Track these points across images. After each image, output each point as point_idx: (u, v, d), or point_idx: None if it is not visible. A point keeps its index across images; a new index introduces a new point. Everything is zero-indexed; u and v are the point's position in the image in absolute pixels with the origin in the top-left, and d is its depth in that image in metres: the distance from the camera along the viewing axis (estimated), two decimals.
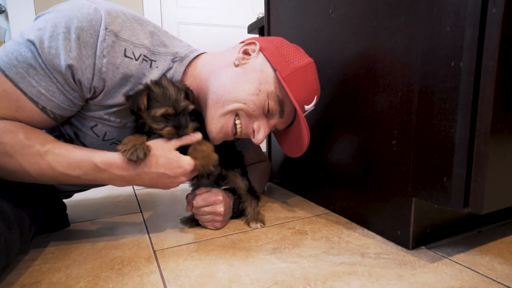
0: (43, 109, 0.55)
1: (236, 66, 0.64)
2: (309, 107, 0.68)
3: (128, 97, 0.59)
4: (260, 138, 0.65)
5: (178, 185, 0.63)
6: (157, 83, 0.59)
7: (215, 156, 0.61)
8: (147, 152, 0.56)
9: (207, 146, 0.62)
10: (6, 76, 0.52)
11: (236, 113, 0.64)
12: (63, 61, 0.52)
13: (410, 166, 0.59)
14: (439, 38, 0.52)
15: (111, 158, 0.56)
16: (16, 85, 0.52)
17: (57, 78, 0.54)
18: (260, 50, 0.65)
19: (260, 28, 1.34)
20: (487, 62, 0.46)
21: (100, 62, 0.55)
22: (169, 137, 0.60)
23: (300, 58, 0.65)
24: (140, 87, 0.59)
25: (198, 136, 0.62)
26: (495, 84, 0.45)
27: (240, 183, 0.75)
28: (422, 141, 0.56)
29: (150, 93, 0.58)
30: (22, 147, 0.52)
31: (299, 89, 0.63)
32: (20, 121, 0.55)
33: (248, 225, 0.75)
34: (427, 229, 0.64)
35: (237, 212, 0.78)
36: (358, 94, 0.71)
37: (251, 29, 1.41)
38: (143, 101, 0.57)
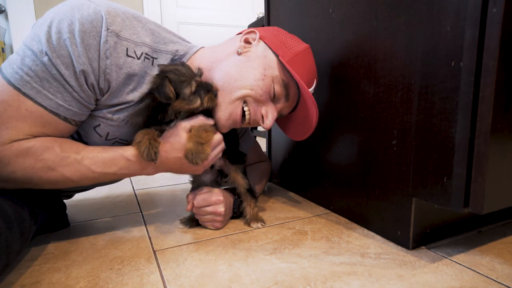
0: (65, 119, 0.56)
1: (239, 54, 0.65)
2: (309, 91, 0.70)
3: (151, 93, 0.60)
4: (269, 122, 0.67)
5: (203, 168, 0.66)
6: (164, 70, 0.60)
7: (208, 151, 0.62)
8: (156, 150, 0.59)
9: (208, 136, 0.63)
10: (24, 94, 0.52)
11: (244, 100, 0.65)
12: (76, 68, 0.53)
13: (410, 166, 0.59)
14: (439, 38, 0.52)
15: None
16: (35, 101, 0.52)
17: (72, 86, 0.54)
18: (260, 38, 0.67)
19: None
20: (487, 62, 0.46)
21: (103, 63, 0.55)
22: (213, 104, 0.62)
23: (298, 44, 0.68)
24: (150, 79, 0.60)
25: (210, 121, 0.64)
26: (495, 84, 0.45)
27: (241, 181, 0.75)
28: (422, 141, 0.56)
29: (170, 79, 0.59)
30: (61, 160, 0.56)
31: (300, 72, 0.66)
32: (49, 135, 0.56)
33: (249, 225, 0.75)
34: (427, 229, 0.64)
35: (237, 212, 0.78)
36: (358, 94, 0.71)
37: None
38: (170, 90, 0.58)
